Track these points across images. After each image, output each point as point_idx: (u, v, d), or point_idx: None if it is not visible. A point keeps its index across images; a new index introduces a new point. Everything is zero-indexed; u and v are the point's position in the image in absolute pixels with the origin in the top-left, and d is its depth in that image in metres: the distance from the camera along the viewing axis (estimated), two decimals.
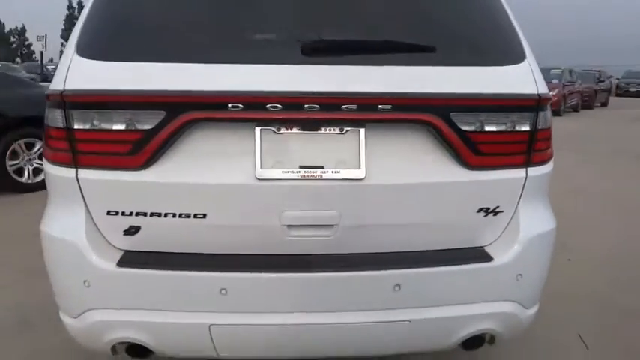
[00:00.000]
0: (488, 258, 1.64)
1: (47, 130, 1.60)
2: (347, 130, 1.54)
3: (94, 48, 1.56)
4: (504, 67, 1.63)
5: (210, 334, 1.56)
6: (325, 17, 1.62)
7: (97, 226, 1.58)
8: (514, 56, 1.65)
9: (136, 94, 1.48)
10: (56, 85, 1.55)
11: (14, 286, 3.14)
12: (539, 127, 1.64)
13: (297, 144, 1.53)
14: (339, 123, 1.53)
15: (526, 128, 1.62)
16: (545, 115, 1.65)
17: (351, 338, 1.62)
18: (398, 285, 1.56)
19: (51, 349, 2.42)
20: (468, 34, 1.68)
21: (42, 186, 1.86)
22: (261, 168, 1.51)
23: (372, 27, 1.64)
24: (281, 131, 1.52)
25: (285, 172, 1.52)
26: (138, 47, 1.56)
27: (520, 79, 1.63)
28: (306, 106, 1.48)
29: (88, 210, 1.57)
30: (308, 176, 1.52)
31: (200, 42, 1.57)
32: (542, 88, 1.64)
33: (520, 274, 1.66)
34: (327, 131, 1.54)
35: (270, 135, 1.52)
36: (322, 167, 1.53)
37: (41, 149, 5.50)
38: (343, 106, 1.49)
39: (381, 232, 1.60)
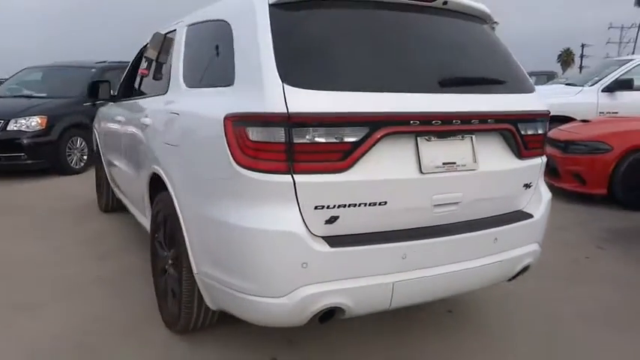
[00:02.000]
0: (531, 216, 2.54)
1: (259, 145, 1.96)
2: (465, 137, 2.28)
3: (308, 81, 1.99)
4: (531, 94, 2.56)
5: (392, 290, 2.13)
6: (457, 67, 2.40)
7: (304, 219, 2.01)
8: (532, 87, 2.60)
9: (348, 116, 1.99)
10: (268, 108, 1.94)
11: None
12: (547, 131, 2.62)
13: (439, 148, 2.21)
14: (461, 132, 2.26)
15: (542, 131, 2.58)
16: (548, 124, 2.64)
17: (471, 278, 2.35)
18: (496, 238, 2.36)
19: None
20: (516, 76, 2.57)
21: None
22: (422, 165, 2.15)
23: (479, 72, 2.45)
24: (431, 139, 2.18)
25: (436, 167, 2.18)
26: (339, 81, 2.05)
27: (539, 101, 2.58)
28: (453, 121, 2.18)
29: (299, 207, 1.99)
30: (449, 169, 2.21)
31: (386, 78, 2.14)
32: (547, 106, 2.62)
33: (543, 225, 2.61)
34: (454, 138, 2.25)
35: (424, 142, 2.17)
36: (455, 162, 2.23)
37: None
38: (472, 121, 2.23)
39: (482, 204, 2.38)
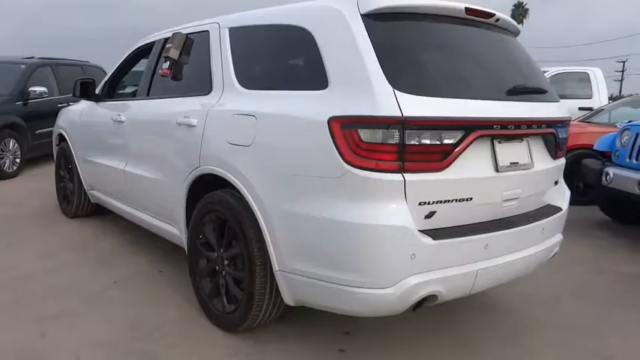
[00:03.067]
0: (560, 209, 2.91)
1: (372, 146, 2.11)
2: (523, 140, 2.58)
3: (412, 87, 2.16)
4: (558, 102, 2.93)
5: (475, 277, 2.36)
6: (517, 77, 2.67)
7: (410, 215, 2.18)
8: (557, 97, 2.98)
9: (452, 120, 2.20)
10: (384, 112, 2.10)
11: None
12: (569, 135, 3.01)
13: (507, 149, 2.48)
14: (521, 136, 2.56)
15: (565, 136, 2.96)
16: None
17: (527, 264, 2.64)
18: (543, 228, 2.68)
19: None
20: (548, 86, 2.91)
21: None
22: (498, 165, 2.41)
23: (531, 82, 2.73)
24: (501, 142, 2.45)
25: (507, 166, 2.45)
26: (441, 88, 2.26)
27: (565, 108, 2.95)
28: (522, 126, 2.47)
29: (407, 203, 2.16)
30: (514, 168, 2.50)
31: (472, 86, 2.37)
32: None
33: (566, 217, 3.00)
34: (516, 141, 2.54)
35: (497, 144, 2.43)
36: (518, 162, 2.52)
37: None
38: (533, 126, 2.53)
39: (531, 198, 2.69)
